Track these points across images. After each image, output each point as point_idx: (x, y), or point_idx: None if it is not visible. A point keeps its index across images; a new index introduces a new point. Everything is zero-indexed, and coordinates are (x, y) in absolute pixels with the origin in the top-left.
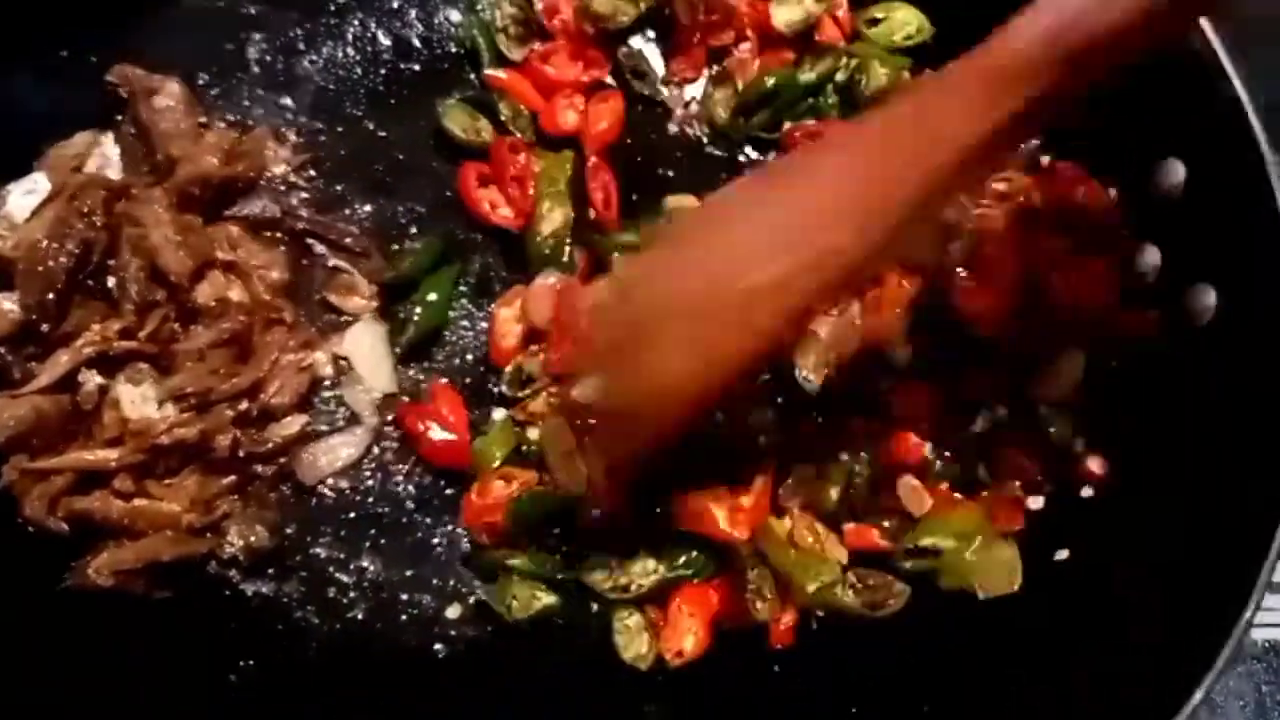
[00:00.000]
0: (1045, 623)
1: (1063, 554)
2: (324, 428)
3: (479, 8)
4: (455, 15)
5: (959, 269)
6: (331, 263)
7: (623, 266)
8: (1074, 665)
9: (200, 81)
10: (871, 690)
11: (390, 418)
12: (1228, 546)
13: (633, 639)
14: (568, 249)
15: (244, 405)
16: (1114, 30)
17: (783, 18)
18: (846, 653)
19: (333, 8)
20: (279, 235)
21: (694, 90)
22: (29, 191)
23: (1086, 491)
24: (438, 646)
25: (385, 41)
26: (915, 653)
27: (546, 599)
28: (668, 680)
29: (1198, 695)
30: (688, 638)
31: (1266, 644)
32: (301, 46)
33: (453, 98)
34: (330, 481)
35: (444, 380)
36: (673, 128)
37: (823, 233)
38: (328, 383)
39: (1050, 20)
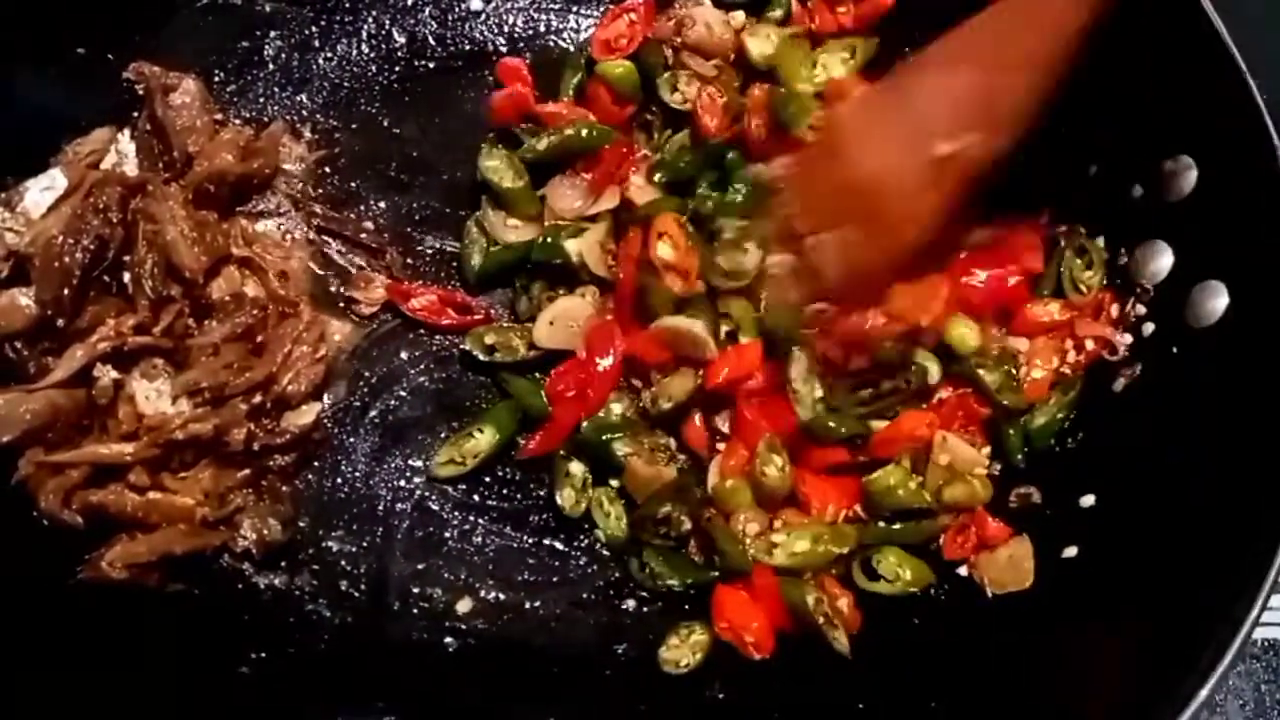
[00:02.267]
0: (1052, 619)
1: (1071, 551)
2: None
3: None
4: (476, 4)
5: None
6: (347, 258)
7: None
8: (1080, 662)
9: (216, 79)
10: (879, 686)
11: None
12: (1235, 546)
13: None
14: None
15: (258, 398)
16: None
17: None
18: (853, 647)
19: (347, 5)
20: (294, 231)
21: None
22: (46, 188)
23: (1088, 500)
24: (448, 640)
25: (400, 39)
26: (922, 649)
27: None
28: (674, 677)
29: (1204, 692)
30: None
31: (1266, 643)
32: (316, 44)
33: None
34: (344, 476)
35: None
36: None
37: (968, 122)
38: None
39: None
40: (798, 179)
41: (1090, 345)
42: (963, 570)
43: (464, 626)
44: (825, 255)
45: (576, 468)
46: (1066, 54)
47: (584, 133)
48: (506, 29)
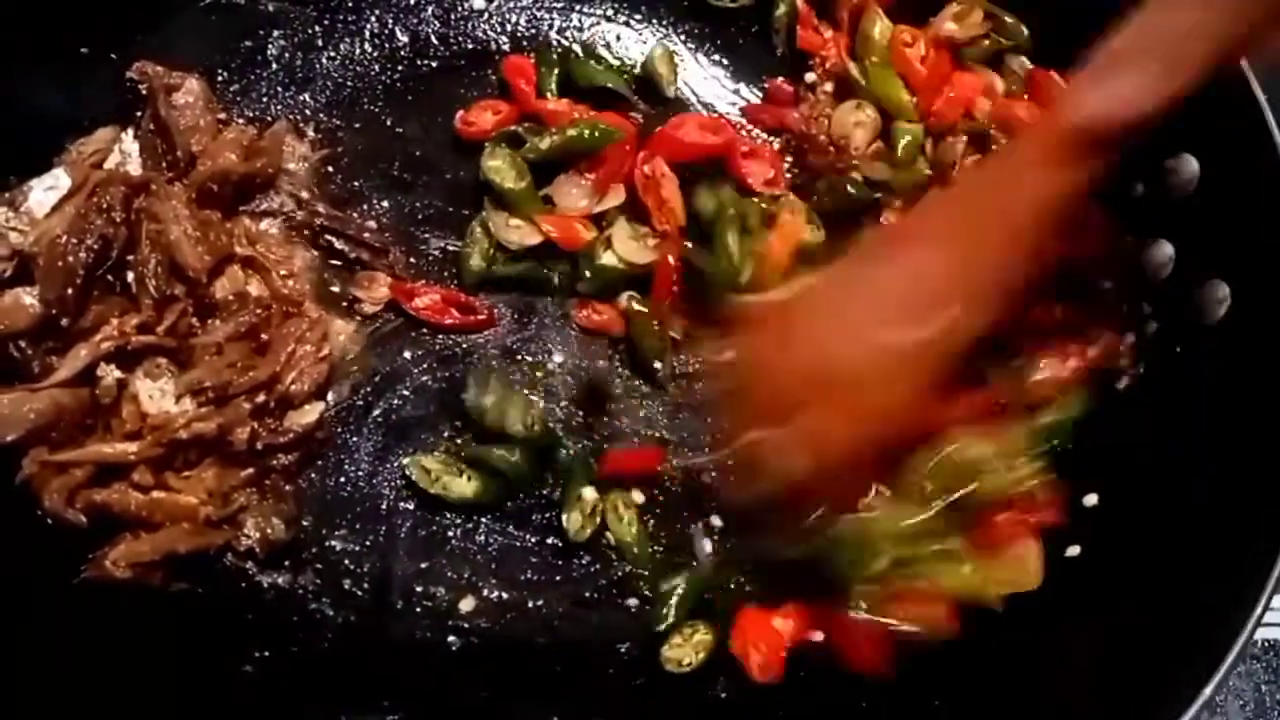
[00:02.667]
0: (1054, 618)
1: (1074, 551)
2: None
3: None
4: (479, 3)
5: None
6: (351, 257)
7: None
8: (1082, 661)
9: (219, 78)
10: (881, 685)
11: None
12: (1237, 546)
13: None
14: None
15: (262, 398)
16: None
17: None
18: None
19: (350, 4)
20: (297, 231)
21: None
22: (50, 187)
23: (1091, 499)
24: (451, 639)
25: (403, 38)
26: (924, 648)
27: None
28: (677, 675)
29: (1206, 692)
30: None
31: (1266, 643)
32: (320, 43)
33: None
34: (347, 475)
35: None
36: None
37: (941, 301)
38: None
39: (1110, 94)
40: (748, 367)
41: (1092, 352)
42: None
43: (467, 625)
44: (789, 450)
45: (590, 493)
46: (1048, 223)
47: (587, 133)
48: (509, 28)
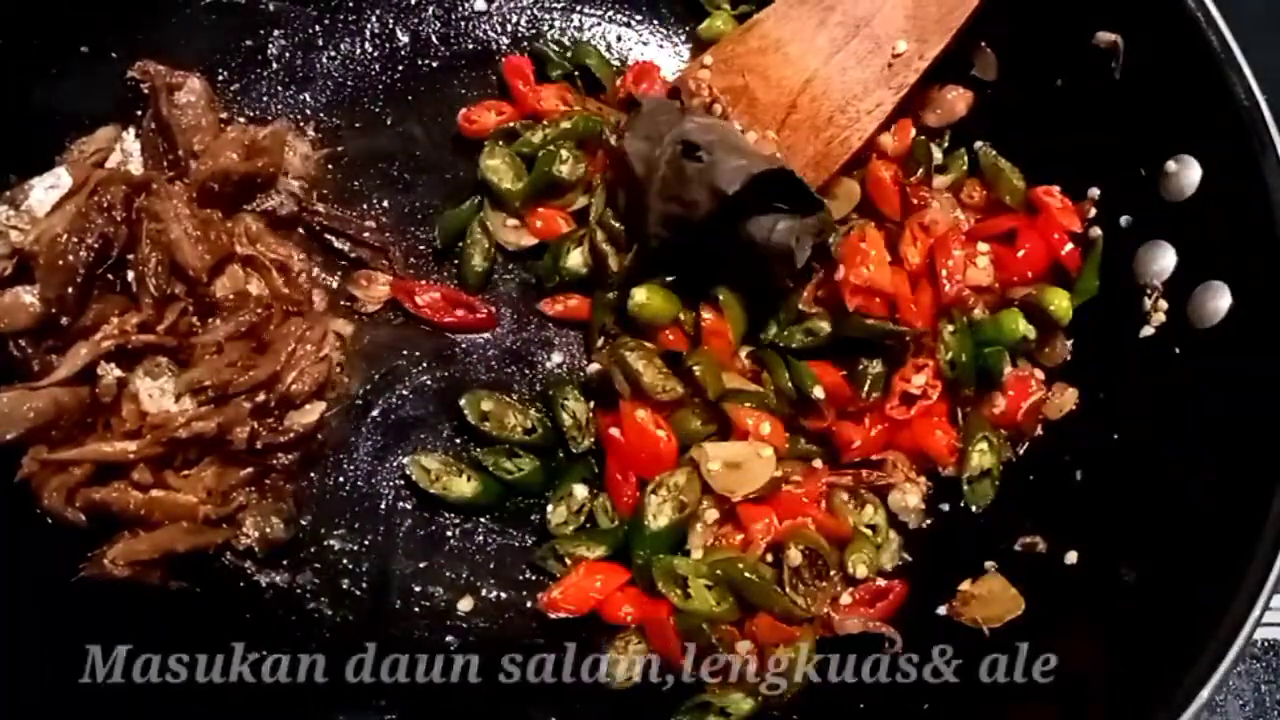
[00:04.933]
0: (1053, 621)
1: (1072, 557)
2: None
3: None
4: (480, 4)
5: None
6: (351, 256)
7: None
8: (1081, 663)
9: (220, 78)
10: (878, 686)
11: None
12: (1236, 547)
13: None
14: None
15: (261, 397)
16: None
17: None
18: (851, 647)
19: (351, 4)
20: (298, 230)
21: None
22: (51, 186)
23: (1088, 503)
24: (450, 639)
25: (403, 38)
26: (921, 650)
27: None
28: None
29: (1205, 693)
30: None
31: (1266, 643)
32: (320, 43)
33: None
34: (346, 475)
35: None
36: None
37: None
38: None
39: None
40: (735, 74)
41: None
42: (942, 609)
43: (465, 625)
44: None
45: (581, 490)
46: None
47: (580, 125)
48: (510, 28)
